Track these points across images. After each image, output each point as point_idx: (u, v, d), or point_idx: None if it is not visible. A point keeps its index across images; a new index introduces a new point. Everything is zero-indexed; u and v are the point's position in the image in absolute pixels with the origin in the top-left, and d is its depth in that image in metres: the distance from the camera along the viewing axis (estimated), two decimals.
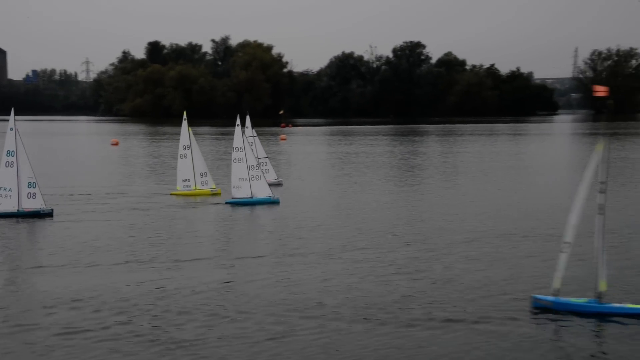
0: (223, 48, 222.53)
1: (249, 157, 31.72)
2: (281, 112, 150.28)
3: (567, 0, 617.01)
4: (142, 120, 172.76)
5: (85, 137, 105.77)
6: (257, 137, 38.76)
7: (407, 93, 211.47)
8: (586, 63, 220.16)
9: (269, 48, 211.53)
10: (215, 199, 33.13)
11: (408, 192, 35.95)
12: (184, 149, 35.12)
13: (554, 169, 48.76)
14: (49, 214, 27.68)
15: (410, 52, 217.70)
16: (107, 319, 14.85)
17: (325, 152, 67.79)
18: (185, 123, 35.05)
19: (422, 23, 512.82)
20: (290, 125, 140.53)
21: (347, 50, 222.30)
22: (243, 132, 32.04)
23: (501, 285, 17.16)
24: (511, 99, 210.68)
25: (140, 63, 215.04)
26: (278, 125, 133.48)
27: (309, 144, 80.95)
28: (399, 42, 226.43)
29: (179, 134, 35.94)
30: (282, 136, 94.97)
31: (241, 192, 31.80)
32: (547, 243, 22.13)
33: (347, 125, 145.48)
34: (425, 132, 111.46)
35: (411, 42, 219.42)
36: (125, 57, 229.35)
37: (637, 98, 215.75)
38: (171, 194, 34.93)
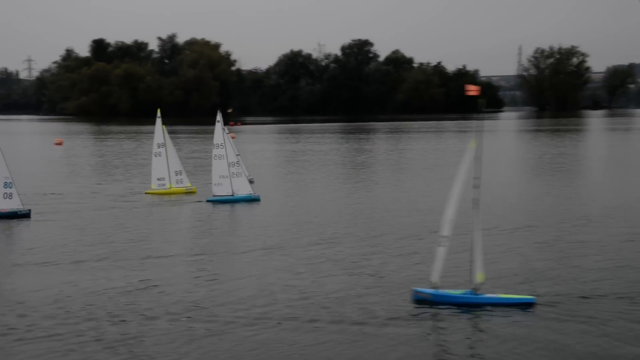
0: (170, 46, 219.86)
1: (229, 154, 31.37)
2: (230, 110, 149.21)
3: None
4: (87, 119, 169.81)
5: (27, 136, 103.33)
6: (228, 134, 38.19)
7: (356, 91, 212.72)
8: (530, 61, 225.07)
9: (216, 46, 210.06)
10: (197, 197, 32.86)
11: (349, 190, 36.28)
12: (159, 147, 34.74)
13: (493, 165, 49.75)
14: (27, 215, 27.09)
15: (359, 50, 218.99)
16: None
17: (272, 150, 67.85)
18: (159, 121, 34.69)
19: (370, 21, 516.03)
20: (239, 123, 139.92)
21: (296, 49, 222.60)
22: (224, 128, 31.66)
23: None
24: (458, 96, 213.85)
25: (85, 61, 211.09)
26: (227, 124, 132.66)
27: (257, 142, 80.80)
28: (347, 40, 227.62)
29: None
30: (231, 134, 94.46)
31: (222, 189, 31.42)
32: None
33: (296, 123, 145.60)
34: (372, 130, 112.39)
35: (359, 40, 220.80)
36: (69, 55, 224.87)
37: (578, 95, 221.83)
38: (146, 193, 34.55)
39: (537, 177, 42.06)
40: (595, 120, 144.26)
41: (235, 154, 31.92)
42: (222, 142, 31.28)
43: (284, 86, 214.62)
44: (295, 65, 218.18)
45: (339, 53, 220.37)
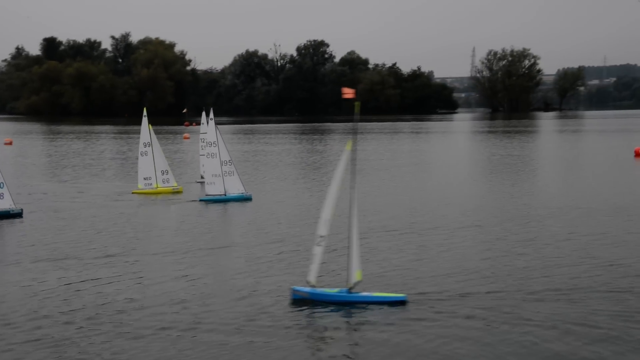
0: (123, 45, 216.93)
1: (222, 152, 31.23)
2: (184, 110, 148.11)
3: (465, 1, 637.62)
4: (38, 119, 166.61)
5: None
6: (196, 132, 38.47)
7: (312, 91, 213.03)
8: (483, 63, 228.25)
9: (171, 45, 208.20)
10: (191, 197, 32.83)
11: (297, 190, 36.36)
12: (145, 146, 34.61)
13: (442, 166, 50.41)
14: (19, 214, 27.19)
15: (314, 51, 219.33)
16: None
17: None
18: (145, 120, 34.60)
19: (325, 22, 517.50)
20: (194, 124, 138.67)
21: (251, 49, 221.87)
22: (216, 127, 31.52)
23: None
24: (413, 97, 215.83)
25: (35, 60, 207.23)
26: (181, 124, 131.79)
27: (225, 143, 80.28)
28: (302, 40, 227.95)
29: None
30: (185, 135, 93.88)
31: (214, 188, 31.28)
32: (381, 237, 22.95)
33: (251, 123, 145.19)
34: (327, 131, 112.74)
35: (315, 40, 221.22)
36: (19, 53, 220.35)
37: (530, 97, 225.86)
38: (133, 193, 34.48)
39: (481, 177, 42.77)
40: (546, 121, 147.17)
41: (227, 152, 31.87)
42: (215, 140, 31.15)
43: (240, 86, 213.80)
44: (250, 65, 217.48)
45: (294, 54, 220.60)
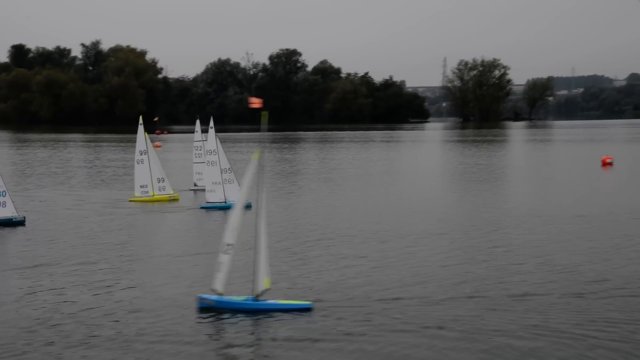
0: (94, 53, 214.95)
1: (222, 160, 31.62)
2: (156, 119, 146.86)
3: (436, 10, 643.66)
4: (5, 127, 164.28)
5: None
6: (207, 141, 38.16)
7: (284, 100, 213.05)
8: (454, 73, 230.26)
9: (142, 53, 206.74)
10: (192, 204, 33.04)
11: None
12: (141, 154, 34.74)
13: (414, 175, 50.58)
14: (21, 222, 27.38)
15: (287, 60, 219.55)
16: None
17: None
18: (141, 128, 34.70)
19: (298, 31, 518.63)
20: (165, 132, 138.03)
21: (224, 57, 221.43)
22: (216, 135, 31.50)
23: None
24: (385, 106, 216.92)
25: (4, 67, 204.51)
26: (153, 132, 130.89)
27: (184, 152, 79.83)
28: (275, 49, 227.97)
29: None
30: (157, 143, 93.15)
31: (215, 196, 31.66)
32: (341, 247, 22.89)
33: (224, 132, 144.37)
34: (299, 139, 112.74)
35: (287, 49, 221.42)
36: None
37: (500, 107, 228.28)
38: (130, 201, 34.47)
39: (449, 186, 43.02)
40: (516, 131, 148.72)
41: (227, 160, 32.12)
42: (215, 148, 31.46)
43: (212, 95, 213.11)
44: (223, 73, 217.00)
45: (267, 62, 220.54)
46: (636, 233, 24.89)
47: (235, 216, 15.59)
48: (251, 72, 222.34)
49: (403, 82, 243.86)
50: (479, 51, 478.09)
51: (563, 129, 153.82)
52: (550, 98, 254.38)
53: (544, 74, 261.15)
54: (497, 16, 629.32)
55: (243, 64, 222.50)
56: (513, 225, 27.01)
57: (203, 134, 37.54)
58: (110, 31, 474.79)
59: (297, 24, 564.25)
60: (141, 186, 34.70)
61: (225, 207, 31.17)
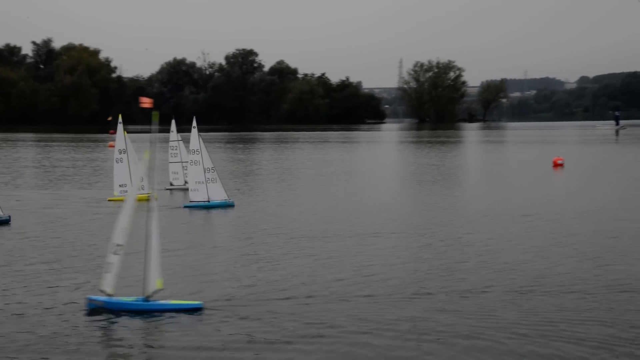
0: (45, 51, 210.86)
1: (205, 160, 32.01)
2: (109, 118, 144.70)
3: (392, 11, 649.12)
4: None
5: None
6: (181, 141, 38.53)
7: (241, 100, 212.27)
8: (410, 74, 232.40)
9: (95, 52, 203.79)
10: (175, 204, 33.22)
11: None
12: (120, 153, 34.75)
13: (368, 175, 50.68)
14: (7, 222, 26.96)
15: (243, 60, 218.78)
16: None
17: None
18: (120, 127, 34.63)
19: (254, 31, 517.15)
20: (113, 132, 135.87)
21: (179, 57, 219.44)
22: (199, 135, 31.71)
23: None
24: (341, 107, 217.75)
25: None
26: (107, 132, 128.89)
27: (136, 152, 78.79)
28: (231, 49, 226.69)
29: None
30: (110, 143, 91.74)
31: (199, 195, 32.05)
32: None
33: (180, 132, 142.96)
34: (254, 140, 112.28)
35: (244, 49, 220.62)
36: None
37: (456, 108, 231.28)
38: (109, 200, 34.12)
39: (401, 186, 43.22)
40: (471, 132, 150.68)
41: (210, 160, 32.36)
42: (198, 147, 31.81)
43: (167, 94, 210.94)
44: (178, 73, 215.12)
45: (223, 62, 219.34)
46: (579, 232, 25.27)
47: (125, 216, 15.48)
48: (207, 72, 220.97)
49: (360, 83, 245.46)
50: (434, 53, 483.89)
51: (516, 131, 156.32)
52: (504, 100, 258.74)
53: (497, 77, 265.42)
54: (452, 19, 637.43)
55: (199, 63, 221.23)
56: (461, 224, 27.16)
57: (178, 134, 38.62)
58: (62, 30, 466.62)
59: (254, 24, 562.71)
60: (120, 185, 34.62)
61: (208, 206, 31.56)
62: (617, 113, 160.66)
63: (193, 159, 31.95)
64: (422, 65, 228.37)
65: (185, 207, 31.91)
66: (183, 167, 38.06)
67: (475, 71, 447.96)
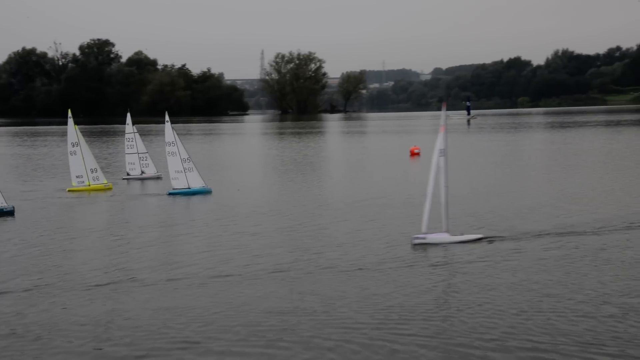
0: None
1: (181, 151, 34.43)
2: None
3: (253, 2, 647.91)
4: None
5: None
6: (137, 133, 41.75)
7: (98, 92, 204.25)
8: (271, 65, 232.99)
9: None
10: (158, 190, 35.95)
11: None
12: (73, 146, 36.66)
13: (228, 166, 50.46)
14: (11, 212, 28.50)
15: (99, 51, 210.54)
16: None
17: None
18: (71, 121, 36.34)
19: (110, 21, 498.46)
20: None
21: (28, 46, 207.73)
22: (172, 128, 34.46)
23: None
24: (204, 99, 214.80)
25: None
26: None
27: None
28: (85, 39, 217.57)
29: None
30: None
31: (179, 183, 34.57)
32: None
33: (32, 125, 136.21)
34: (116, 132, 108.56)
35: (99, 39, 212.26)
36: None
37: (317, 99, 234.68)
38: (68, 190, 36.28)
39: (259, 176, 43.88)
40: (333, 123, 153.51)
41: (185, 151, 34.69)
42: (173, 140, 34.47)
43: (17, 86, 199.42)
44: (28, 64, 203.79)
45: (77, 53, 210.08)
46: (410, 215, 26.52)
47: None
48: (60, 63, 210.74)
49: (222, 74, 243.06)
50: (295, 44, 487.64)
51: (376, 121, 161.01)
52: (364, 91, 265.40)
53: (357, 68, 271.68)
54: (313, 10, 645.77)
55: (51, 54, 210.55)
56: (315, 210, 28.08)
57: (134, 126, 41.73)
58: None
59: (110, 13, 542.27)
60: (77, 176, 36.64)
61: (190, 193, 34.25)
62: (468, 103, 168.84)
63: (170, 151, 34.53)
64: (283, 56, 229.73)
65: (169, 194, 34.24)
66: (140, 157, 41.54)
67: (336, 63, 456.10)
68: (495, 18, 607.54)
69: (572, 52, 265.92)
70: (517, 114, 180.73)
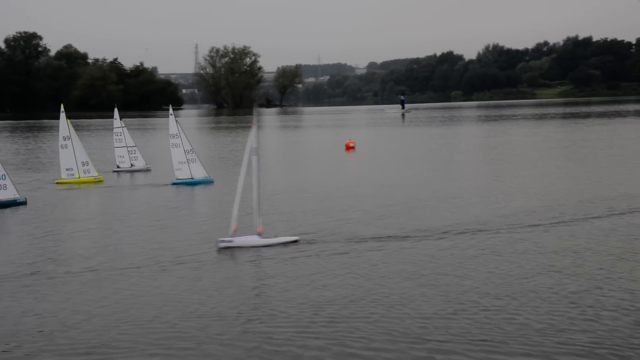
0: None
1: (184, 143, 35.55)
2: None
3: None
4: None
5: None
6: (125, 127, 42.87)
7: (25, 86, 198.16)
8: (206, 59, 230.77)
9: None
10: (163, 181, 36.66)
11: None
12: (64, 139, 37.42)
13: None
14: (24, 203, 29.36)
15: (26, 44, 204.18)
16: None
17: None
18: (63, 115, 37.01)
19: (38, 13, 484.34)
20: None
21: None
22: (176, 121, 35.66)
23: None
24: (137, 93, 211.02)
25: None
26: None
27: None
28: (11, 32, 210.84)
29: None
30: None
31: (182, 173, 35.83)
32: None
33: None
34: (46, 128, 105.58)
35: (26, 32, 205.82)
36: None
37: (253, 93, 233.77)
38: (57, 183, 37.05)
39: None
40: (269, 117, 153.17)
41: (189, 142, 35.81)
42: (177, 132, 35.56)
43: None
44: None
45: (2, 46, 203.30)
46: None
47: None
48: None
49: (155, 68, 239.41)
50: (230, 39, 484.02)
51: (312, 115, 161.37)
52: (300, 85, 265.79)
53: (292, 62, 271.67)
54: (246, 3, 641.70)
55: None
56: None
57: (122, 121, 42.96)
58: None
59: (38, 6, 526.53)
60: (67, 169, 37.50)
61: (193, 183, 35.52)
62: (402, 97, 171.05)
63: (174, 143, 35.61)
64: (217, 50, 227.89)
65: (173, 184, 35.42)
66: (129, 151, 42.67)
67: (271, 57, 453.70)
68: (426, 12, 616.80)
69: (502, 47, 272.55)
70: (450, 108, 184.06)
